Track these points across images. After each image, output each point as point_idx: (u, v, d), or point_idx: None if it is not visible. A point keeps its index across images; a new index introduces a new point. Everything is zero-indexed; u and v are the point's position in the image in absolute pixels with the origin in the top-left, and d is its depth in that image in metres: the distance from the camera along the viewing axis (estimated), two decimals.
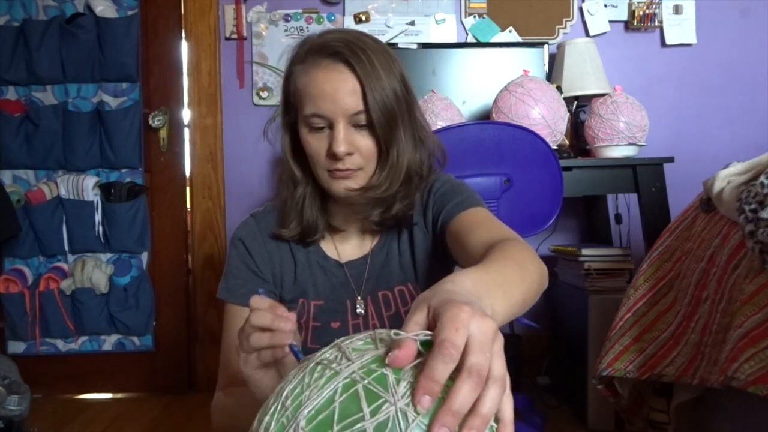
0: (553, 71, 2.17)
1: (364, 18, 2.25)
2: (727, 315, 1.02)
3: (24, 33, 2.21)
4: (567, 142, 2.00)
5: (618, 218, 2.20)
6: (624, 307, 1.32)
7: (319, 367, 0.46)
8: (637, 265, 1.53)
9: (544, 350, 2.21)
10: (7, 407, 1.67)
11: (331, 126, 0.86)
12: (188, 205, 2.35)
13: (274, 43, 2.26)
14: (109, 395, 2.30)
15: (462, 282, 0.53)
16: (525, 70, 1.83)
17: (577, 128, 2.11)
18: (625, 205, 2.21)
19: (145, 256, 2.29)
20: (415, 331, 0.45)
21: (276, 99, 2.26)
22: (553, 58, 2.20)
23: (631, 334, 1.28)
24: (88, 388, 2.30)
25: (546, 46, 2.13)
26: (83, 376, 2.29)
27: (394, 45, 2.14)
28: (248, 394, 0.76)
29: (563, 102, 1.80)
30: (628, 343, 1.27)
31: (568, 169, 1.77)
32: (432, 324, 0.46)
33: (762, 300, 0.95)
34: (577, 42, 2.11)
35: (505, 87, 1.78)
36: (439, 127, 1.70)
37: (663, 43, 2.28)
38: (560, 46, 2.15)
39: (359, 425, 0.40)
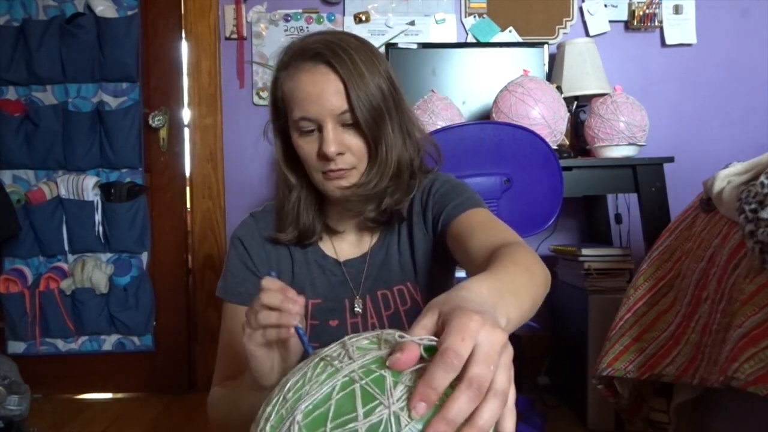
0: (553, 71, 2.17)
1: (364, 18, 2.25)
2: (727, 315, 1.02)
3: (24, 33, 2.21)
4: (567, 142, 2.00)
5: (618, 218, 2.20)
6: (624, 307, 1.32)
7: (322, 363, 0.47)
8: (637, 265, 1.53)
9: (544, 350, 2.21)
10: (7, 407, 1.67)
11: (320, 128, 0.86)
12: (188, 205, 2.35)
13: (274, 43, 2.25)
14: (109, 395, 2.30)
15: (477, 289, 0.52)
16: (525, 70, 1.83)
17: (577, 128, 2.11)
18: (625, 205, 2.21)
19: (145, 256, 2.29)
20: (421, 335, 0.45)
21: None
22: (553, 58, 2.20)
23: (631, 334, 1.28)
24: (88, 388, 2.30)
25: (546, 46, 2.13)
26: (83, 376, 2.29)
27: (394, 45, 2.14)
28: (244, 383, 0.76)
29: (563, 102, 1.80)
30: (628, 343, 1.27)
31: (568, 169, 1.77)
32: (440, 329, 0.45)
33: (762, 300, 0.95)
34: (577, 42, 2.11)
35: (505, 87, 1.78)
36: (439, 127, 1.71)
37: (663, 43, 2.28)
38: (560, 46, 2.15)
39: (352, 425, 0.41)
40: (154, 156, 2.31)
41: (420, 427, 0.40)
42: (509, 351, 0.44)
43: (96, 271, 2.23)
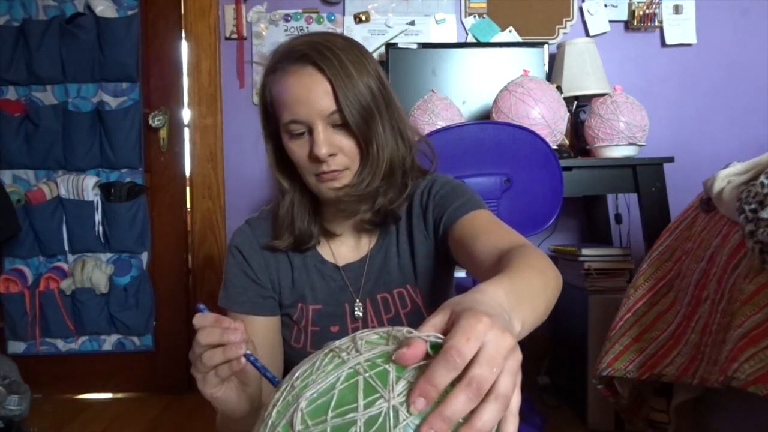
0: (553, 71, 2.17)
1: (364, 18, 2.25)
2: (727, 315, 1.02)
3: (24, 33, 2.21)
4: (567, 142, 2.00)
5: (618, 218, 2.20)
6: (624, 307, 1.32)
7: (331, 354, 0.48)
8: (637, 265, 1.53)
9: (544, 350, 2.21)
10: (7, 407, 1.67)
11: (310, 130, 0.85)
12: (188, 205, 2.35)
13: (274, 43, 2.25)
14: (109, 395, 2.30)
15: (494, 293, 0.52)
16: (525, 70, 1.83)
17: (577, 128, 2.11)
18: (625, 205, 2.21)
19: (145, 256, 2.30)
20: (430, 332, 0.45)
21: None
22: (553, 58, 2.20)
23: (631, 334, 1.28)
24: (88, 388, 2.30)
25: (546, 46, 2.13)
26: (83, 376, 2.29)
27: (394, 45, 2.14)
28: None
29: (563, 102, 1.80)
30: (628, 343, 1.28)
31: (568, 169, 1.77)
32: (449, 328, 0.45)
33: (762, 300, 0.95)
34: (577, 42, 2.11)
35: (505, 87, 1.78)
36: (439, 127, 1.71)
37: (663, 43, 2.28)
38: (560, 46, 2.15)
39: (351, 415, 0.42)
40: (154, 156, 2.31)
41: (417, 422, 0.41)
42: (517, 356, 0.44)
43: (96, 271, 2.23)
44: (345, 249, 0.98)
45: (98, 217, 2.24)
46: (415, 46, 2.14)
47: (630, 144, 1.81)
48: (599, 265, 1.82)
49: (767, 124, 2.29)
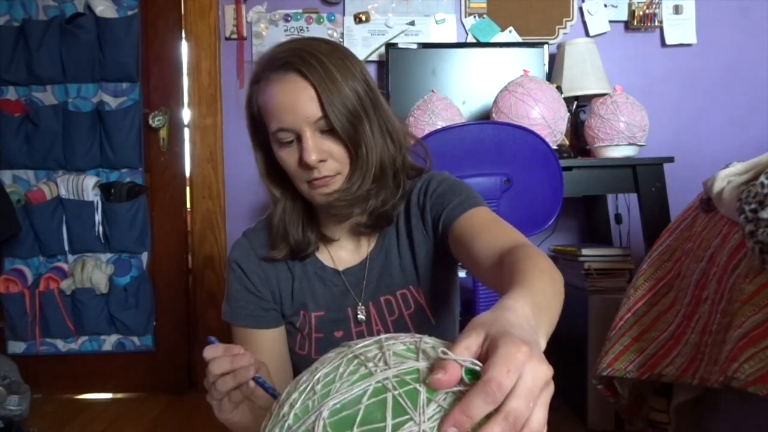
0: (553, 71, 2.17)
1: (364, 18, 2.25)
2: (727, 315, 1.02)
3: (24, 33, 2.21)
4: (567, 142, 2.00)
5: (618, 218, 2.20)
6: (624, 307, 1.32)
7: (356, 362, 0.46)
8: (637, 265, 1.53)
9: (543, 350, 2.21)
10: (7, 407, 1.67)
11: (299, 137, 0.85)
12: (188, 205, 2.35)
13: (274, 43, 2.25)
14: (109, 395, 2.30)
15: (522, 310, 0.51)
16: (525, 70, 1.83)
17: (577, 128, 2.11)
18: (625, 205, 2.21)
19: (145, 256, 2.30)
20: (464, 355, 0.44)
21: None
22: (553, 58, 2.20)
23: (631, 334, 1.28)
24: (88, 388, 2.30)
25: (546, 46, 2.13)
26: (83, 376, 2.29)
27: (394, 45, 2.14)
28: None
29: (563, 102, 1.80)
30: (628, 343, 1.28)
31: (568, 169, 1.77)
32: (484, 352, 0.44)
33: (762, 300, 0.95)
34: (577, 42, 2.11)
35: (505, 87, 1.78)
36: (439, 127, 1.71)
37: (663, 43, 2.28)
38: (560, 46, 2.15)
39: None
40: (154, 156, 2.31)
41: None
42: (550, 389, 0.44)
43: (96, 271, 2.23)
44: (344, 253, 0.98)
45: (98, 217, 2.24)
46: (415, 46, 2.14)
47: (630, 144, 1.81)
48: (599, 265, 1.82)
49: (767, 124, 2.29)
